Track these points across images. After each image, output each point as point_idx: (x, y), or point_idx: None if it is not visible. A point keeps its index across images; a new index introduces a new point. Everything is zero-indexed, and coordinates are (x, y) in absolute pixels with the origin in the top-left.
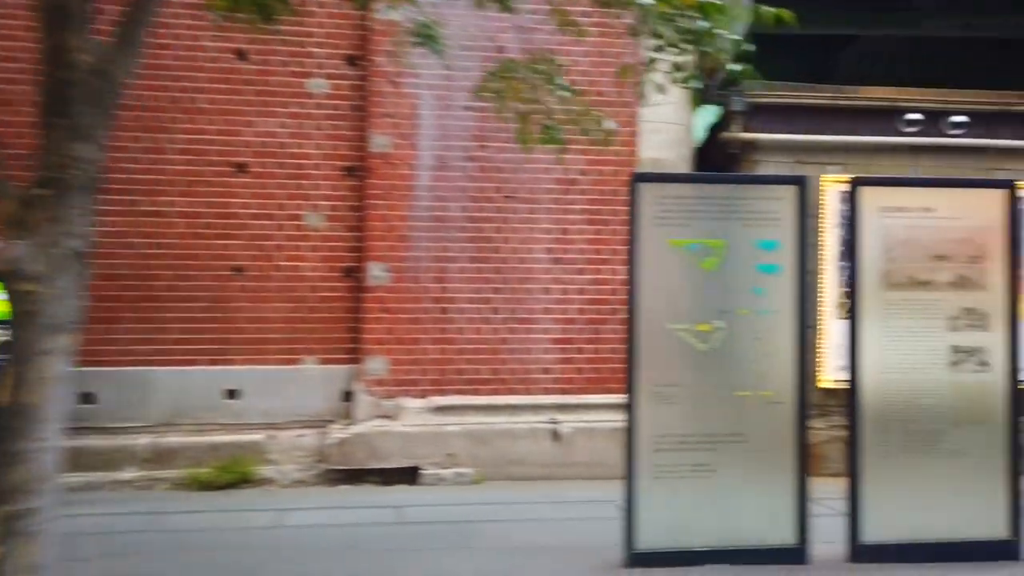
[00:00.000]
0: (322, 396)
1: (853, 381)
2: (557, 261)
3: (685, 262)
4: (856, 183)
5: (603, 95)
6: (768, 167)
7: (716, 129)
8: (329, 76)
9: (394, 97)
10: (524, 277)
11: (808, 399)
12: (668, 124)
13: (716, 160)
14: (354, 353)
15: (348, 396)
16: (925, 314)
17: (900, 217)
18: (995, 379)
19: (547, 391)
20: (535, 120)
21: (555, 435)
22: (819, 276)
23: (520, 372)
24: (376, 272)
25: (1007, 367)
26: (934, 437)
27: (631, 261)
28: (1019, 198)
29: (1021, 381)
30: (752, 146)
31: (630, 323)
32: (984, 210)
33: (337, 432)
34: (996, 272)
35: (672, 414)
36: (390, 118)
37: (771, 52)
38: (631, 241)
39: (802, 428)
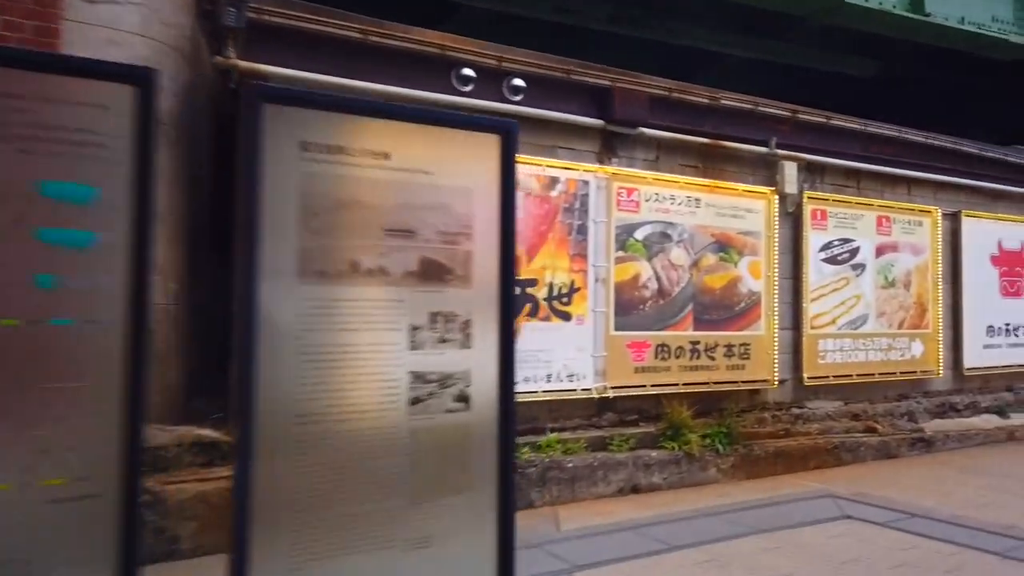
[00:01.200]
0: None
1: (242, 432)
2: None
3: None
4: (256, 95)
5: None
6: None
7: None
8: None
9: None
10: None
11: (138, 490)
12: (131, 35)
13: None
14: None
15: None
16: (375, 322)
17: (336, 164)
18: (480, 420)
19: None
20: None
21: None
22: None
23: None
24: None
25: (499, 402)
26: (389, 523)
27: None
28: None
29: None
30: (258, 80)
31: None
32: (470, 163)
33: None
34: (485, 258)
35: None
36: None
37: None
38: None
39: (131, 540)
